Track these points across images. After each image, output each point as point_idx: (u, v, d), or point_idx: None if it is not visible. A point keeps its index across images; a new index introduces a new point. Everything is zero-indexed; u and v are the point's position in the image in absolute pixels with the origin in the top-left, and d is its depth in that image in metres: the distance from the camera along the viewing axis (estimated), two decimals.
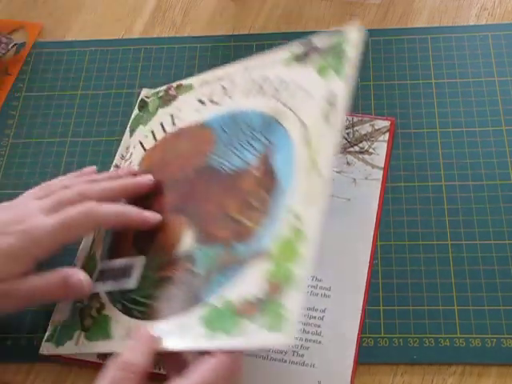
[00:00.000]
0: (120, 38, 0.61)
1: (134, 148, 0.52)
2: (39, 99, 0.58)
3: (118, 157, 0.53)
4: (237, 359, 0.36)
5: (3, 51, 0.59)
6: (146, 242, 0.44)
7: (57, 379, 0.46)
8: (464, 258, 0.47)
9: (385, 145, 0.51)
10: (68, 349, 0.44)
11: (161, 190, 0.46)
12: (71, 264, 0.48)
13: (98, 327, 0.42)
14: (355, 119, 0.52)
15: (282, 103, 0.43)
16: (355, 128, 0.51)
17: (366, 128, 0.51)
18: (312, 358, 0.44)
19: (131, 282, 0.43)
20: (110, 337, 0.41)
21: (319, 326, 0.45)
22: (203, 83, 0.50)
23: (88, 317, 0.43)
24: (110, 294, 0.43)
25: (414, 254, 0.47)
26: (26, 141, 0.56)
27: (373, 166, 0.50)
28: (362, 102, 0.54)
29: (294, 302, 0.34)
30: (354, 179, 0.50)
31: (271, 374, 0.43)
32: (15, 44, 0.60)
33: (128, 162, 0.51)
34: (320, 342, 0.44)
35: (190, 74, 0.56)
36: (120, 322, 0.41)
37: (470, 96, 0.53)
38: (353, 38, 0.42)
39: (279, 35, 0.59)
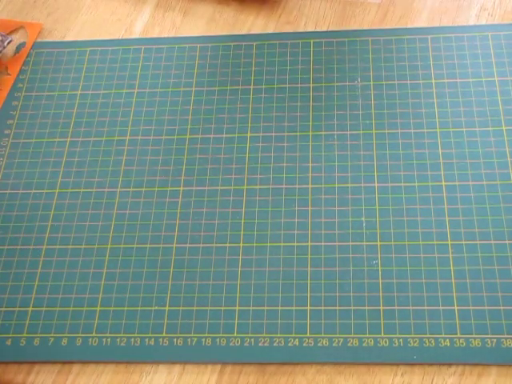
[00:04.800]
0: (120, 38, 0.61)
1: None
2: (39, 99, 0.58)
3: None
4: None
5: (0, 48, 0.59)
6: None
7: (57, 379, 0.46)
8: (464, 258, 0.47)
9: None
10: None
11: None
12: None
13: None
14: None
15: None
16: None
17: None
18: None
19: None
20: None
21: None
22: None
23: None
24: None
25: (413, 254, 0.47)
26: (25, 141, 0.56)
27: None
28: (362, 102, 0.54)
29: None
30: None
31: None
32: (11, 40, 0.60)
33: None
34: None
35: (190, 74, 0.56)
36: None
37: (469, 96, 0.53)
38: None
39: (279, 35, 0.59)
